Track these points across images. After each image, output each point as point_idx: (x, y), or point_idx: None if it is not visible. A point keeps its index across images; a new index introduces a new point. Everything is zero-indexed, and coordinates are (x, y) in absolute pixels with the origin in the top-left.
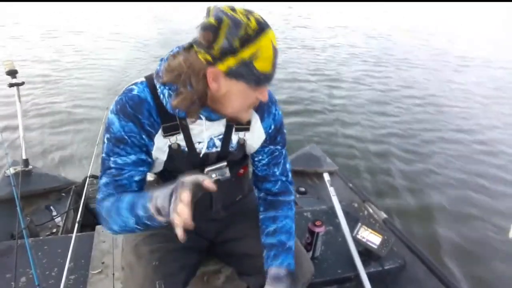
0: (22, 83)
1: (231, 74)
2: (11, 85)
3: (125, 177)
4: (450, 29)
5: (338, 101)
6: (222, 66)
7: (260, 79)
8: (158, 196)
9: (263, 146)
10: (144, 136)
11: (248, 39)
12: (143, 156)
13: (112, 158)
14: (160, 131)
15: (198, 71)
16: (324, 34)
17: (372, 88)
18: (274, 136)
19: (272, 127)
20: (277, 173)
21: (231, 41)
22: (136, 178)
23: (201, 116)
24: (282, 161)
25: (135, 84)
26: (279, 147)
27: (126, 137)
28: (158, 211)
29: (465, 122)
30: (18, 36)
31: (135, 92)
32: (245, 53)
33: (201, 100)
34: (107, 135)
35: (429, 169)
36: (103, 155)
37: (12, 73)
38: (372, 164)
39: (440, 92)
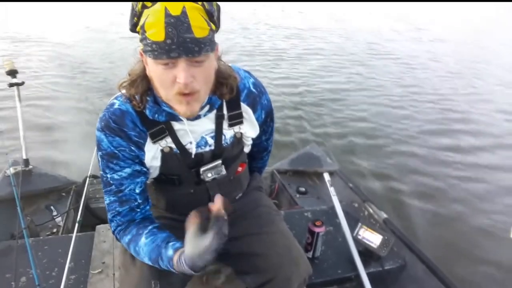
0: (22, 83)
1: (143, 48)
2: (11, 85)
3: (126, 193)
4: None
5: (339, 101)
6: (140, 42)
7: (154, 50)
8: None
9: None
10: (133, 148)
11: (145, 5)
12: (138, 167)
13: (109, 175)
14: (148, 139)
15: (139, 55)
16: (335, 32)
17: (374, 89)
18: (265, 120)
19: (263, 116)
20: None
21: (135, 7)
22: (137, 190)
23: (180, 116)
24: (271, 130)
25: (116, 98)
26: (268, 120)
27: (116, 151)
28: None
29: (470, 126)
30: (19, 36)
31: (116, 106)
32: (142, 20)
33: (144, 82)
34: (100, 153)
35: (431, 170)
36: (101, 172)
37: (12, 73)
38: (373, 164)
39: (450, 93)
